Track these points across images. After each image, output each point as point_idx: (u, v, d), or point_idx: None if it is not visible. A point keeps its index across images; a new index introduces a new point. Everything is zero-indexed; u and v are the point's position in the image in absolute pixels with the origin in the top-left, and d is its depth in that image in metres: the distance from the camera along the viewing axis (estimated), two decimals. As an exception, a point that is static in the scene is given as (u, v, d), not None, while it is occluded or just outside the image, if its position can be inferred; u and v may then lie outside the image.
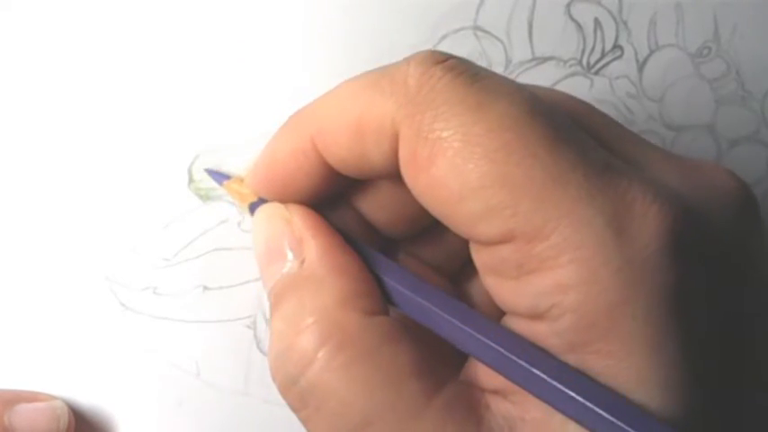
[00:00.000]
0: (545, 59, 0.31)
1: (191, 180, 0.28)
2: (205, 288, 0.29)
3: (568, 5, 0.31)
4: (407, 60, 0.22)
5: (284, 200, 0.24)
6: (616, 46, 0.32)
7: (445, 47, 0.30)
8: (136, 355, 0.28)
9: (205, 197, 0.29)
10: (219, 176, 0.28)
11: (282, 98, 0.29)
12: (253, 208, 0.25)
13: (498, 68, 0.31)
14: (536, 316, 0.20)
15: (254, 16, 0.28)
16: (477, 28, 0.30)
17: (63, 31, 0.27)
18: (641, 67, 0.33)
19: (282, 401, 0.22)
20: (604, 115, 0.24)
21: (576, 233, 0.19)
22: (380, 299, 0.23)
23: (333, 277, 0.22)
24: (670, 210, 0.19)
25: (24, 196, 0.27)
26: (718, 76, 0.34)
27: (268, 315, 0.29)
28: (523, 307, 0.20)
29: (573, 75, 0.32)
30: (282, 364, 0.22)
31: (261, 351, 0.29)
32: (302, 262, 0.23)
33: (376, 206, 0.25)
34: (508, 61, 0.31)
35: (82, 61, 0.27)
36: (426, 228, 0.24)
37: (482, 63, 0.31)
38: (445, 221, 0.21)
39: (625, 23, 0.32)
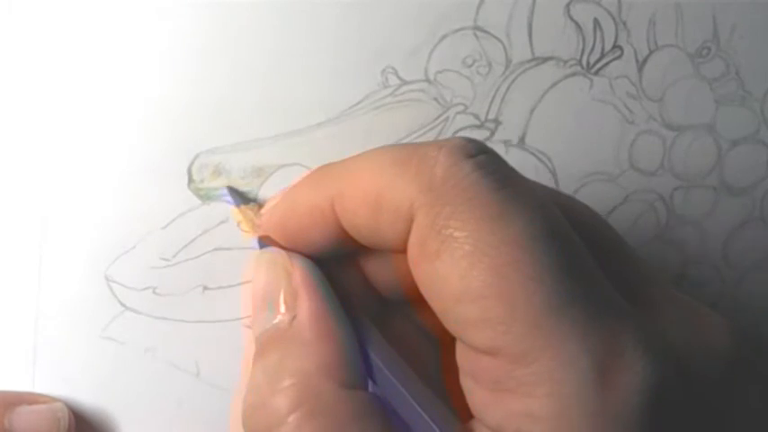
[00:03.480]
0: (545, 59, 0.32)
1: (191, 180, 0.28)
2: (205, 288, 0.29)
3: (568, 6, 0.31)
4: (439, 146, 0.21)
5: (293, 247, 0.25)
6: (615, 46, 0.32)
7: (445, 47, 0.30)
8: (136, 354, 0.28)
9: (205, 197, 0.29)
10: (237, 198, 0.28)
11: (281, 98, 0.29)
12: (260, 242, 0.26)
13: (498, 68, 0.31)
14: None
15: (252, 17, 0.28)
16: (476, 28, 0.30)
17: (64, 31, 0.27)
18: (641, 67, 0.33)
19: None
20: (628, 247, 0.24)
21: (559, 368, 0.19)
22: (362, 372, 0.23)
23: (318, 343, 0.22)
24: (657, 368, 0.19)
25: (24, 196, 0.27)
26: (717, 76, 0.34)
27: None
28: (491, 420, 0.20)
29: (573, 75, 0.32)
30: (254, 417, 0.22)
31: (261, 351, 0.29)
32: (293, 318, 0.23)
33: (379, 270, 0.25)
34: (508, 61, 0.31)
35: (82, 61, 0.27)
36: (423, 299, 0.24)
37: (482, 63, 0.31)
38: (438, 314, 0.21)
39: (624, 24, 0.32)
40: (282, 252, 0.25)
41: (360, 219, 0.22)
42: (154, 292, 0.28)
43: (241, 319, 0.29)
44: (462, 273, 0.20)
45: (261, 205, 0.27)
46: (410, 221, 0.21)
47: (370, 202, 0.22)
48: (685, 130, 0.34)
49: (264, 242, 0.26)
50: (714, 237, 0.36)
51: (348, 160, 0.23)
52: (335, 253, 0.25)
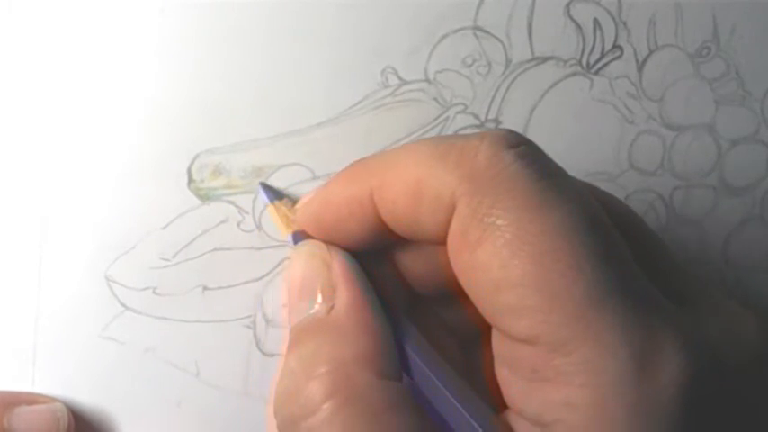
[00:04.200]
0: (545, 59, 0.32)
1: (191, 180, 0.28)
2: (205, 288, 0.29)
3: (568, 5, 0.31)
4: (481, 136, 0.22)
5: (329, 240, 0.25)
6: (615, 46, 0.32)
7: (445, 47, 0.30)
8: (136, 354, 0.28)
9: (205, 197, 0.29)
10: (271, 194, 0.28)
11: (281, 98, 0.29)
12: (295, 237, 0.26)
13: (498, 68, 0.31)
14: (538, 423, 0.20)
15: (251, 17, 0.28)
16: (476, 28, 0.30)
17: (64, 31, 0.27)
18: (641, 67, 0.33)
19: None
20: (662, 243, 0.24)
21: (599, 358, 0.19)
22: (396, 363, 0.23)
23: (355, 332, 0.23)
24: (695, 361, 0.20)
25: (24, 196, 0.27)
26: (717, 76, 0.34)
27: (269, 316, 0.29)
28: (529, 411, 0.20)
29: (573, 75, 0.32)
30: (287, 403, 0.22)
31: (260, 351, 0.29)
32: (330, 308, 0.23)
33: (414, 263, 0.25)
34: (508, 61, 0.31)
35: (82, 62, 0.27)
36: (455, 292, 0.24)
37: (482, 63, 0.31)
38: (476, 303, 0.21)
39: (624, 23, 0.32)
40: (321, 244, 0.25)
41: (399, 209, 0.22)
42: (154, 292, 0.28)
43: (241, 319, 0.29)
44: (503, 261, 0.20)
45: (294, 201, 0.27)
46: (451, 211, 0.21)
47: (410, 192, 0.22)
48: (685, 130, 0.34)
49: (300, 237, 0.26)
50: (714, 237, 0.36)
51: (386, 153, 0.24)
52: (370, 247, 0.25)
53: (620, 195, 0.34)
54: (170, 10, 0.27)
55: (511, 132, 0.22)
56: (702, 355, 0.20)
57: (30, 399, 0.27)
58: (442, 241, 0.22)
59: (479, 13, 0.30)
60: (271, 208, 0.28)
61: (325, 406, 0.21)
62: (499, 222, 0.20)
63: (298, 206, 0.26)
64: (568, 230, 0.20)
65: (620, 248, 0.21)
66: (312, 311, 0.23)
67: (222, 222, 0.29)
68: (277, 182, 0.29)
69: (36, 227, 0.27)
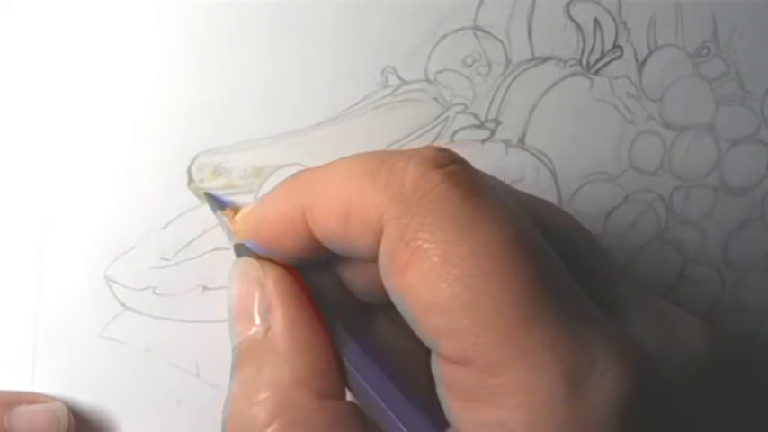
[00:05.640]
0: (545, 59, 0.32)
1: (191, 180, 0.28)
2: (205, 288, 0.29)
3: (568, 5, 0.31)
4: (410, 155, 0.21)
5: (269, 253, 0.25)
6: (616, 46, 0.32)
7: (445, 47, 0.30)
8: (135, 354, 0.28)
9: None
10: (213, 203, 0.28)
11: (281, 98, 0.29)
12: (237, 250, 0.26)
13: (498, 68, 0.31)
14: None
15: (252, 17, 0.28)
16: (476, 28, 0.30)
17: (64, 31, 0.27)
18: (641, 67, 0.33)
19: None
20: (604, 253, 0.24)
21: (530, 378, 0.19)
22: (338, 381, 0.23)
23: (293, 353, 0.23)
24: (630, 374, 0.19)
25: (24, 196, 0.27)
26: (717, 76, 0.34)
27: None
28: (464, 429, 0.20)
29: (573, 75, 0.32)
30: (235, 429, 0.22)
31: (261, 351, 0.29)
32: (267, 330, 0.23)
33: (355, 276, 0.25)
34: (508, 61, 0.31)
35: (82, 61, 0.27)
36: None
37: (482, 63, 0.31)
38: (410, 324, 0.21)
39: (624, 23, 0.32)
40: (255, 262, 0.24)
41: (330, 229, 0.22)
42: (154, 292, 0.28)
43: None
44: (431, 285, 0.20)
45: (236, 211, 0.27)
46: (380, 233, 0.21)
47: (339, 213, 0.22)
48: (685, 130, 0.34)
49: (240, 251, 0.26)
50: (714, 237, 0.36)
51: (320, 169, 0.23)
52: (310, 260, 0.24)
53: (619, 195, 0.34)
54: (170, 9, 0.27)
55: (441, 151, 0.21)
56: (639, 369, 0.20)
57: (30, 398, 0.27)
58: (375, 259, 0.22)
59: (479, 13, 0.30)
60: (218, 217, 0.28)
61: (269, 431, 0.21)
62: (426, 246, 0.20)
63: (237, 218, 0.26)
64: (498, 250, 0.20)
65: (553, 264, 0.21)
66: (250, 333, 0.23)
67: (222, 222, 0.29)
68: (277, 182, 0.29)
69: (36, 227, 0.27)
